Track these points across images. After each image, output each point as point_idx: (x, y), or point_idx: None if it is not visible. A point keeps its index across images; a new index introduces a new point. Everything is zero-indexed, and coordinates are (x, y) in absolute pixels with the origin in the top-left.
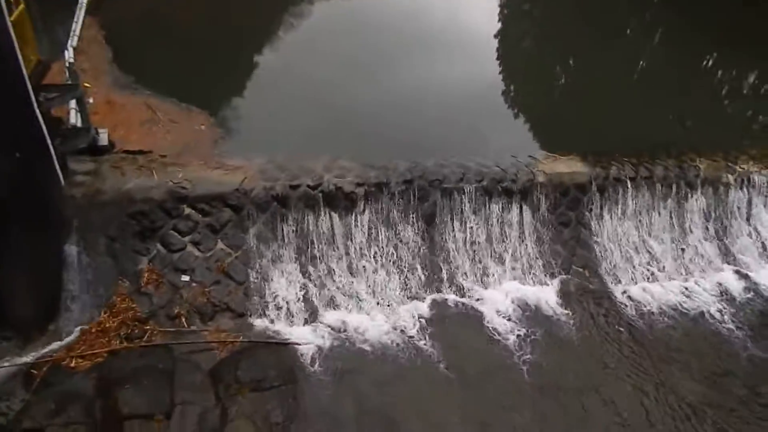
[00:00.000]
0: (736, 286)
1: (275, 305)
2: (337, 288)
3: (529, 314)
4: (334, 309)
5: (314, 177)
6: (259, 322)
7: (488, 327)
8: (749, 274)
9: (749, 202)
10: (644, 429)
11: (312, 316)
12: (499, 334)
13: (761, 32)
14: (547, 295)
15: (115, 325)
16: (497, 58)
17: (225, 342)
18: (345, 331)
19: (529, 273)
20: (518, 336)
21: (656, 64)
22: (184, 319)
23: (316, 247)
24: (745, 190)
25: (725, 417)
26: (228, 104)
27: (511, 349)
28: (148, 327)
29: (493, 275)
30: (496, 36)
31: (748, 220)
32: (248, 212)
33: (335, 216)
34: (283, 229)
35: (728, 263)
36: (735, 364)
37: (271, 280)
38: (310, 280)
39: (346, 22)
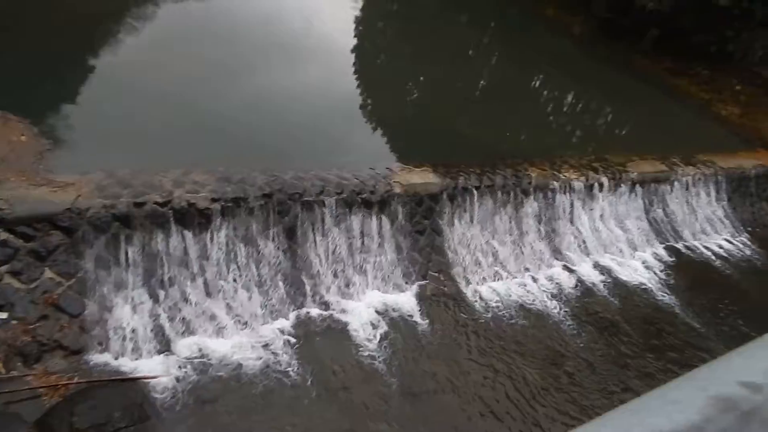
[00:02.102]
0: (564, 279)
1: (119, 337)
2: (192, 312)
3: (391, 321)
4: (190, 335)
5: (163, 193)
6: (99, 359)
7: (352, 338)
8: (574, 268)
9: (571, 205)
10: (496, 418)
11: (164, 346)
12: (362, 344)
13: (576, 59)
14: (406, 300)
15: None
16: (354, 72)
17: (56, 386)
18: (202, 358)
19: (390, 281)
20: (380, 344)
21: (495, 83)
22: (0, 364)
23: (167, 269)
24: (567, 194)
25: (561, 394)
26: (56, 112)
27: (375, 357)
28: None
29: (356, 286)
30: (352, 51)
31: (571, 221)
32: (84, 234)
33: (188, 234)
34: (127, 252)
35: (557, 260)
36: (565, 348)
37: (114, 309)
38: (161, 305)
39: (195, 27)
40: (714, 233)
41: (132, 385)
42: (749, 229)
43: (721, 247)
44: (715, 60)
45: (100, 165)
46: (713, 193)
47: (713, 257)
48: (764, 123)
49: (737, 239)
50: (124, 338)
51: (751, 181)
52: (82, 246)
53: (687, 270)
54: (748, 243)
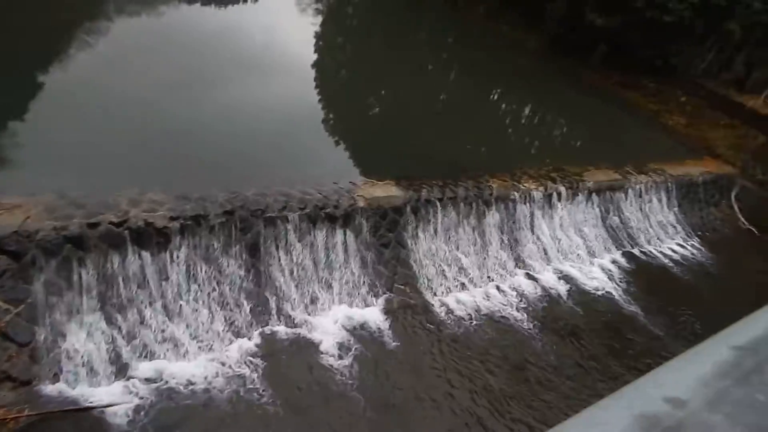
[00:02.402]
0: (527, 287)
1: (73, 365)
2: (152, 335)
3: (358, 336)
4: (149, 359)
5: (119, 213)
6: (51, 389)
7: (319, 354)
8: (536, 276)
9: (532, 215)
10: (469, 426)
11: (122, 372)
12: (330, 359)
13: (532, 73)
14: (373, 314)
15: None
16: (315, 87)
17: (4, 420)
18: (164, 382)
19: (356, 295)
20: (349, 359)
21: (455, 97)
22: None
23: (124, 291)
24: (528, 204)
25: (526, 400)
26: (2, 129)
27: (344, 372)
28: None
29: (322, 301)
30: (313, 66)
31: (532, 230)
32: (33, 258)
33: (146, 255)
34: (80, 275)
35: (520, 268)
36: (530, 355)
37: (67, 335)
38: (118, 329)
39: (152, 43)
40: (667, 238)
41: (88, 414)
42: (699, 233)
43: (674, 251)
44: (661, 73)
45: (50, 186)
46: (665, 200)
47: (668, 261)
48: (708, 132)
49: (689, 243)
50: (78, 365)
51: (699, 188)
52: (32, 270)
53: (643, 274)
54: (699, 247)
